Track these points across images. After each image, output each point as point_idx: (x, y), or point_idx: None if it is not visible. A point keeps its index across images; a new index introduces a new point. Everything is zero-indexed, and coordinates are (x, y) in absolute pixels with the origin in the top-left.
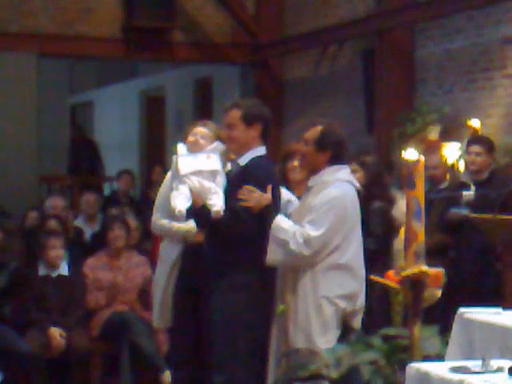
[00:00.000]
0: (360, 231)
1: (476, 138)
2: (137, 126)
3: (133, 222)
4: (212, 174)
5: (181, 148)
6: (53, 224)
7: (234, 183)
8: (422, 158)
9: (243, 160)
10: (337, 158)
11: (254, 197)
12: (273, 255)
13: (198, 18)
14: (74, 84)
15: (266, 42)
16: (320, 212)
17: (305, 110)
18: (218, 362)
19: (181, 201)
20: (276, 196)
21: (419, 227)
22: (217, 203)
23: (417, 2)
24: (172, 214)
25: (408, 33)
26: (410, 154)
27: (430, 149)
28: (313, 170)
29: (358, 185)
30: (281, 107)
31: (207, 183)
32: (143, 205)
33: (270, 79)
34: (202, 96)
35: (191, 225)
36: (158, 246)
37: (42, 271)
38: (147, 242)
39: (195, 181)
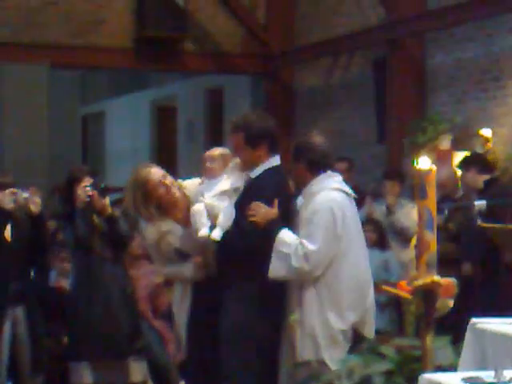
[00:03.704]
0: (360, 235)
1: (465, 160)
2: (148, 135)
3: None
4: (236, 192)
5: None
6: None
7: (243, 197)
8: (434, 168)
9: (254, 173)
10: (317, 168)
11: (260, 212)
12: (275, 270)
13: (209, 29)
14: (85, 95)
15: (277, 51)
16: (311, 225)
17: (316, 119)
18: (225, 372)
19: (204, 226)
20: (286, 208)
21: (431, 237)
22: (219, 223)
23: (428, 11)
24: (168, 257)
25: (419, 42)
26: (422, 163)
27: (441, 159)
28: (300, 183)
29: (349, 191)
30: (292, 117)
31: (217, 203)
32: None
33: (280, 89)
34: (213, 106)
35: (186, 266)
36: None
37: (52, 280)
38: None
39: (208, 203)
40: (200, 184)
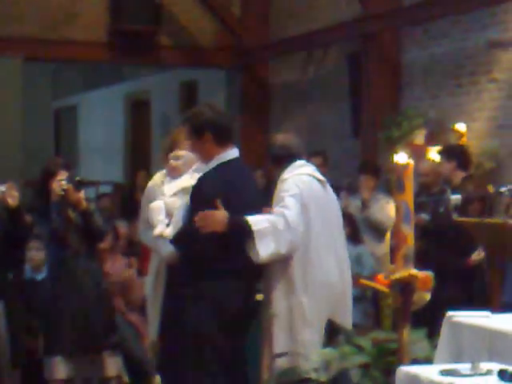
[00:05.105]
0: (328, 219)
1: (441, 149)
2: (122, 129)
3: (122, 228)
4: None
5: (161, 176)
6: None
7: (191, 197)
8: (412, 162)
9: (205, 169)
10: (280, 162)
11: (208, 221)
12: (263, 249)
13: (184, 22)
14: (58, 88)
15: (252, 45)
16: (282, 200)
17: (291, 113)
18: (182, 372)
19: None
20: (239, 202)
21: (408, 231)
22: (173, 222)
23: (402, 6)
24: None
25: (394, 37)
26: (400, 157)
27: (418, 154)
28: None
29: (320, 177)
30: (267, 111)
31: (176, 200)
32: (129, 210)
33: (255, 83)
34: (188, 100)
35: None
36: (147, 253)
37: (27, 274)
38: (134, 247)
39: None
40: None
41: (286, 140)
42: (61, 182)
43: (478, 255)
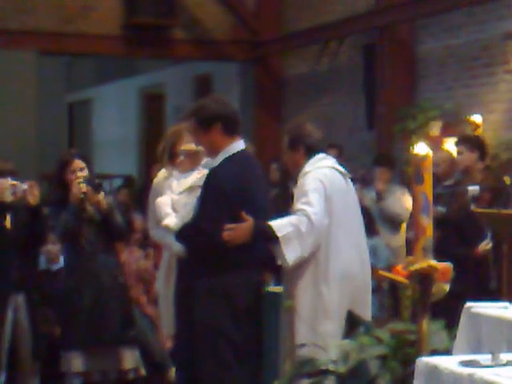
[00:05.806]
0: (352, 211)
1: (460, 138)
2: (136, 123)
3: (138, 221)
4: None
5: (164, 173)
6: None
7: (203, 192)
8: (431, 153)
9: (214, 163)
10: (314, 153)
11: (237, 234)
12: (292, 254)
13: (198, 15)
14: (72, 81)
15: (266, 38)
16: (304, 195)
17: (305, 106)
18: (202, 371)
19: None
20: (249, 193)
21: (427, 222)
22: (179, 214)
23: None
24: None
25: (409, 29)
26: (419, 148)
27: (434, 146)
28: (296, 167)
29: (342, 170)
30: (281, 104)
31: (183, 198)
32: (144, 203)
33: (269, 76)
34: (202, 93)
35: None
36: (160, 248)
37: (42, 265)
38: (150, 240)
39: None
40: (167, 176)
41: (318, 131)
42: (80, 185)
43: (486, 245)
